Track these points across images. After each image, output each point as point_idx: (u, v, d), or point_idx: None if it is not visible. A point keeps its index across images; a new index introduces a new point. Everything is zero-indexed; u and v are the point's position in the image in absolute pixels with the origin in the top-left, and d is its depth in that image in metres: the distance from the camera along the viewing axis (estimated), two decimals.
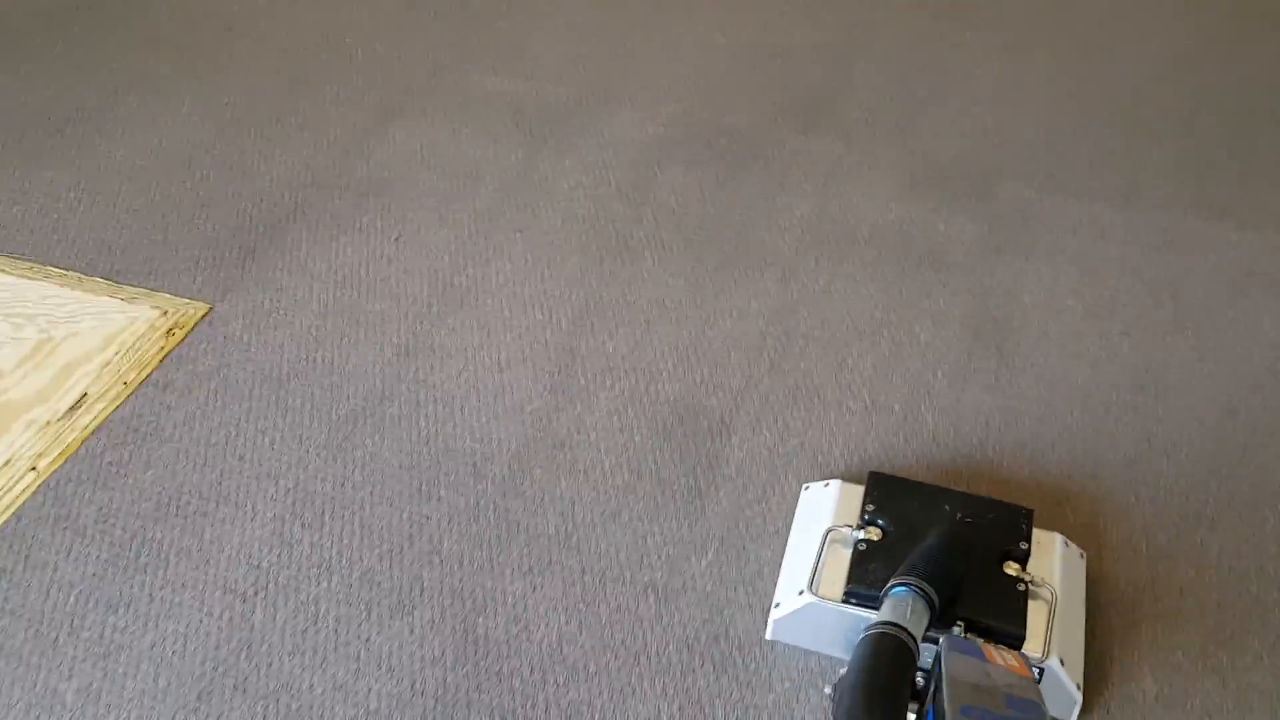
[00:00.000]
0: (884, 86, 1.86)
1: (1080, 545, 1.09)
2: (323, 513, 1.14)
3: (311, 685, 0.98)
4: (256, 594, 1.06)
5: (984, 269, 1.47)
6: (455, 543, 1.11)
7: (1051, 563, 1.03)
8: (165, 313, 1.37)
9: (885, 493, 1.07)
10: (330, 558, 1.10)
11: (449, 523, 1.13)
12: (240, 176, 1.63)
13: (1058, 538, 1.06)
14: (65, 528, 1.12)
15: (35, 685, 0.98)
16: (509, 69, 1.89)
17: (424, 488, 1.17)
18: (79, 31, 1.98)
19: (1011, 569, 1.00)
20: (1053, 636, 0.95)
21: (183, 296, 1.41)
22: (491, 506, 1.15)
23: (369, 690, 0.98)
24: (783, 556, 1.10)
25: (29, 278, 1.42)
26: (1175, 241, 1.52)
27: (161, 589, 1.06)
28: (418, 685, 0.98)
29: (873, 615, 0.93)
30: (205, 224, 1.53)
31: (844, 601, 0.98)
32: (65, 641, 1.01)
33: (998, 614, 0.95)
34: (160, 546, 1.10)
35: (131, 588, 1.06)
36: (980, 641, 0.85)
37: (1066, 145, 1.72)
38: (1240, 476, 1.19)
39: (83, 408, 1.24)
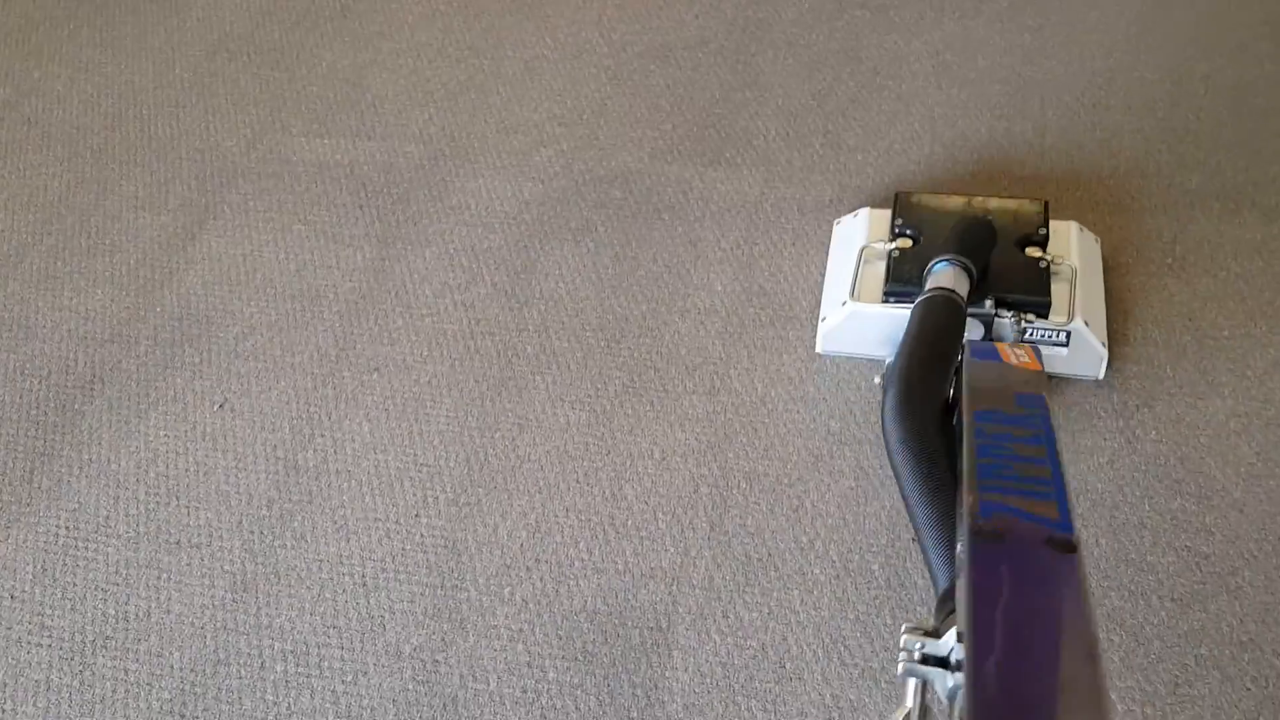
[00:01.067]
0: (799, 84, 1.53)
1: (1094, 232, 1.23)
2: None
3: None
4: None
5: None
6: None
7: (1069, 245, 1.14)
8: None
9: (911, 208, 1.19)
10: None
11: None
12: (21, 338, 1.29)
13: (1073, 225, 1.18)
14: None
15: None
16: (343, 124, 1.54)
17: None
18: None
19: (1033, 252, 1.12)
20: (1075, 304, 1.08)
21: None
22: None
23: None
24: (822, 283, 1.22)
25: None
26: None
27: None
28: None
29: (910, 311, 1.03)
30: None
31: (884, 301, 1.10)
32: None
33: (1024, 289, 1.07)
34: None
35: None
36: (998, 344, 0.88)
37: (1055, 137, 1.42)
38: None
39: None
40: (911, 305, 1.03)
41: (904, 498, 0.82)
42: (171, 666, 0.98)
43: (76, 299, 1.34)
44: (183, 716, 0.94)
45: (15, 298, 1.35)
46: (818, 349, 1.15)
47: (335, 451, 1.14)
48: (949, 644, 0.62)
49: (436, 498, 1.09)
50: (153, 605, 1.03)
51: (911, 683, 0.63)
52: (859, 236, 1.19)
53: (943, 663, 0.62)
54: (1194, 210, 1.30)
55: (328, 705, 0.94)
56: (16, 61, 1.74)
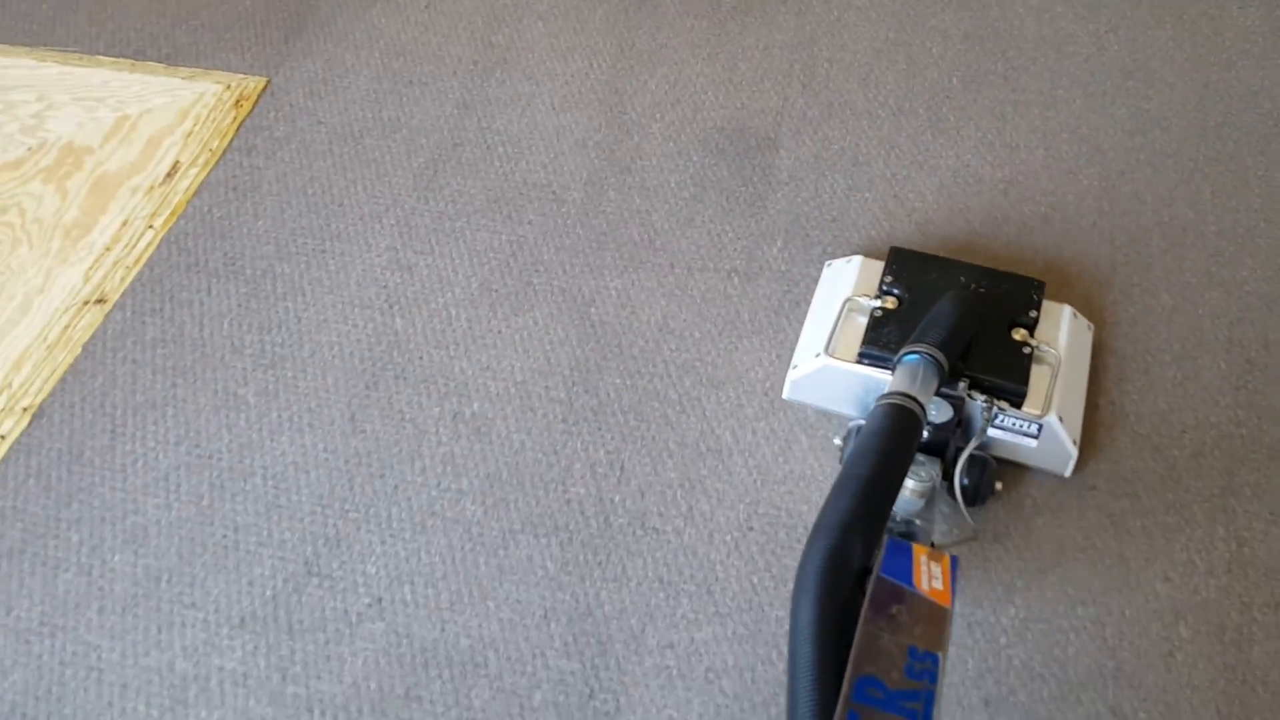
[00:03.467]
0: None
1: (1089, 319, 1.14)
2: (430, 241, 1.27)
3: (461, 369, 1.14)
4: (391, 307, 1.20)
5: None
6: (554, 254, 1.25)
7: (1058, 331, 1.08)
8: (228, 87, 1.44)
9: (904, 265, 1.12)
10: (447, 274, 1.23)
11: (544, 239, 1.27)
12: None
13: (1066, 309, 1.11)
14: (198, 272, 1.23)
15: (216, 391, 1.12)
16: None
17: (514, 214, 1.30)
18: None
19: (1019, 335, 1.05)
20: (1053, 396, 1.01)
21: (238, 73, 1.48)
22: (578, 224, 1.29)
23: (511, 368, 1.14)
24: (802, 326, 1.16)
25: (83, 66, 1.47)
26: None
27: (305, 311, 1.19)
28: (552, 360, 1.15)
29: (884, 375, 1.01)
30: (237, 4, 1.58)
31: (858, 362, 1.04)
32: (231, 358, 1.15)
33: (1002, 372, 1.01)
34: (292, 279, 1.23)
35: (277, 313, 1.19)
36: (914, 549, 0.82)
37: None
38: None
39: (179, 174, 1.33)
40: (884, 369, 1.02)
41: (791, 683, 0.72)
42: (422, 146, 1.38)
43: None
44: (436, 171, 1.35)
45: None
46: (784, 396, 1.12)
47: (519, 36, 1.54)
48: None
49: (599, 65, 1.49)
50: (400, 114, 1.42)
51: None
52: (846, 286, 1.14)
53: None
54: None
55: (538, 168, 1.35)
56: None
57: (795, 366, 1.11)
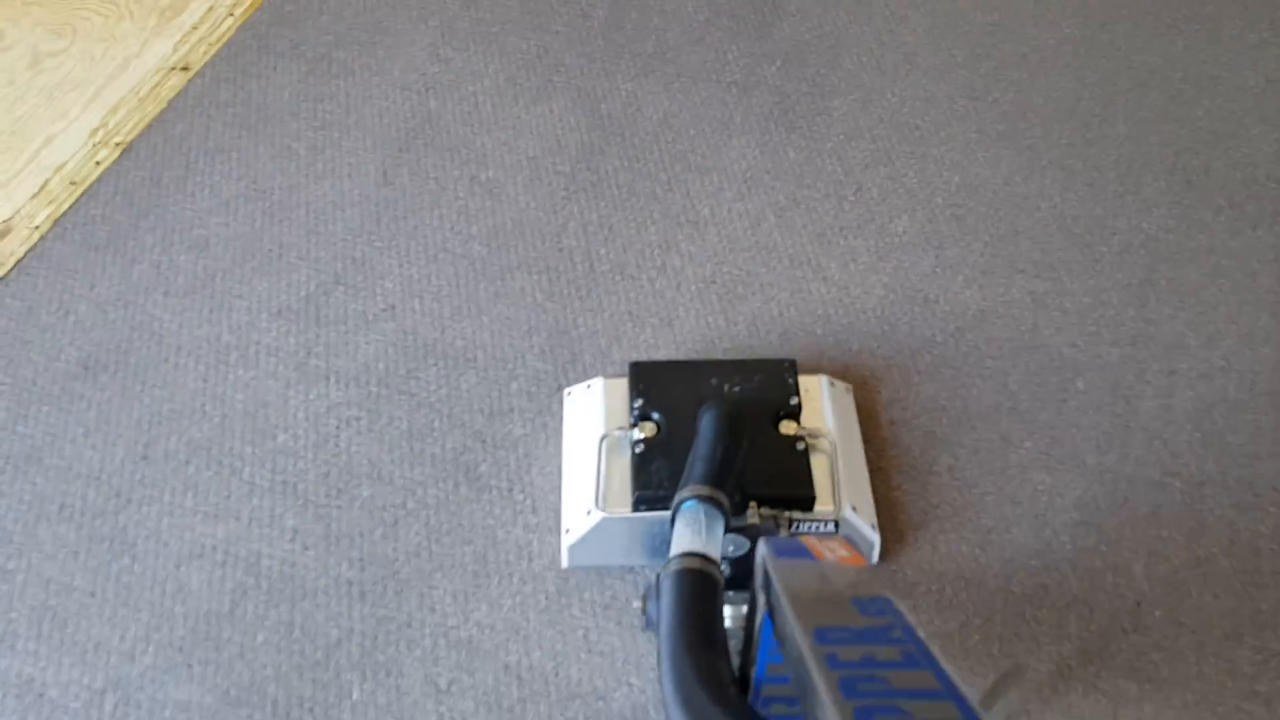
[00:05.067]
0: None
1: (843, 380, 1.08)
2: (467, 41, 1.44)
3: (482, 143, 1.31)
4: (427, 90, 1.37)
5: None
6: (574, 59, 1.41)
7: (821, 408, 1.01)
8: None
9: (650, 382, 1.00)
10: (479, 68, 1.40)
11: (567, 46, 1.43)
12: None
13: (822, 379, 1.03)
14: (268, 53, 1.42)
15: (274, 144, 1.31)
16: None
17: (542, 23, 1.46)
18: None
19: (788, 428, 0.96)
20: (840, 487, 0.95)
21: None
22: (599, 36, 1.44)
23: (526, 145, 1.31)
24: (560, 476, 1.03)
25: None
26: None
27: (353, 89, 1.37)
28: (562, 142, 1.31)
29: (665, 516, 0.87)
30: None
31: (635, 510, 0.93)
32: (288, 120, 1.34)
33: (783, 482, 0.93)
34: (345, 63, 1.41)
35: (330, 88, 1.38)
36: (801, 536, 0.80)
37: None
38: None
39: None
40: (664, 508, 0.89)
41: None
42: None
43: None
44: None
45: None
46: (563, 564, 0.97)
47: None
48: None
49: None
50: None
51: None
52: (596, 420, 1.01)
53: None
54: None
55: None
56: None
57: (568, 530, 0.96)
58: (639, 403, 0.98)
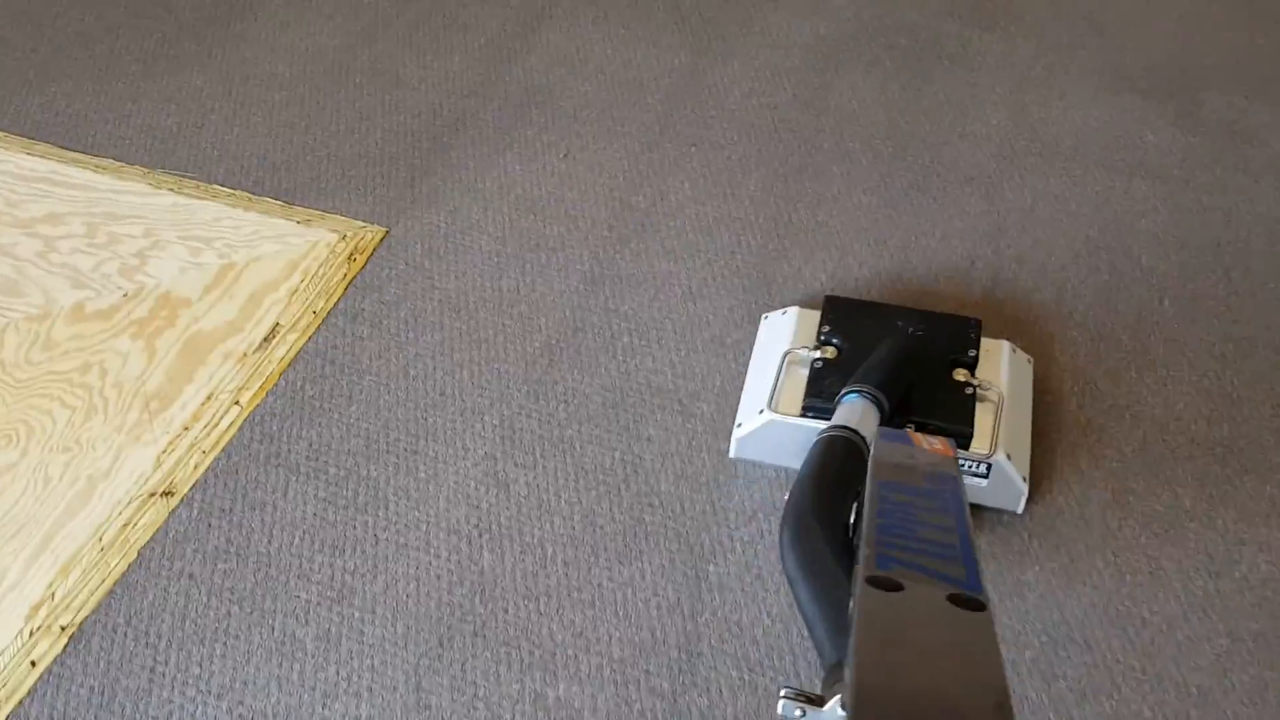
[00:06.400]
0: None
1: (1028, 352, 1.16)
2: (533, 451, 1.11)
3: (551, 632, 0.97)
4: (480, 535, 1.04)
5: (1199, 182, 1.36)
6: (672, 485, 1.08)
7: (999, 368, 1.09)
8: (344, 237, 1.33)
9: (841, 314, 1.12)
10: (549, 498, 1.07)
11: (663, 463, 1.09)
12: (393, 85, 1.56)
13: (1005, 345, 1.11)
14: (278, 465, 1.10)
15: (274, 629, 0.98)
16: None
17: (632, 426, 1.13)
18: None
19: (960, 375, 1.06)
20: (999, 434, 1.02)
21: (356, 219, 1.36)
22: (705, 449, 1.11)
23: (609, 639, 0.96)
24: (744, 383, 1.15)
25: (198, 198, 1.38)
26: None
27: (385, 530, 1.05)
28: (658, 634, 0.97)
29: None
30: (365, 138, 1.47)
31: (802, 415, 1.04)
32: (296, 584, 1.01)
33: (946, 415, 1.02)
34: (377, 486, 1.08)
35: (355, 529, 1.05)
36: (911, 431, 0.87)
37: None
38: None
39: (276, 339, 1.21)
40: (828, 420, 0.99)
41: (800, 610, 0.74)
42: (539, 326, 1.23)
43: (437, 61, 1.60)
44: (551, 359, 1.19)
45: (385, 54, 1.61)
46: (730, 454, 1.09)
47: (661, 199, 1.38)
48: (834, 715, 0.56)
49: (748, 242, 1.32)
50: (521, 284, 1.28)
51: None
52: (784, 337, 1.12)
53: None
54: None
55: (665, 368, 1.18)
56: None
57: (740, 424, 1.09)
58: (825, 329, 1.10)
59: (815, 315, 1.13)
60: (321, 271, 1.28)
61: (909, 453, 0.78)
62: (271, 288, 1.26)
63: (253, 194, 1.40)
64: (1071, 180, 1.38)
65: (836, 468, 0.88)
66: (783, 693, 0.57)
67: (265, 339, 1.21)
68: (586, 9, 1.68)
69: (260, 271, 1.28)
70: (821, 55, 1.58)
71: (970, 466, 1.00)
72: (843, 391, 0.99)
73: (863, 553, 0.59)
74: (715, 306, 1.24)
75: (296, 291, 1.26)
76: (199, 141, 1.48)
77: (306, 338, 1.22)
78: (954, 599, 0.52)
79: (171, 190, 1.39)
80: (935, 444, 0.82)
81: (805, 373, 1.07)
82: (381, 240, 1.33)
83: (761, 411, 1.06)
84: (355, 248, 1.32)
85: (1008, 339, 1.13)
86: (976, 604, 0.52)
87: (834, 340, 1.09)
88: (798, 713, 0.57)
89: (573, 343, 1.21)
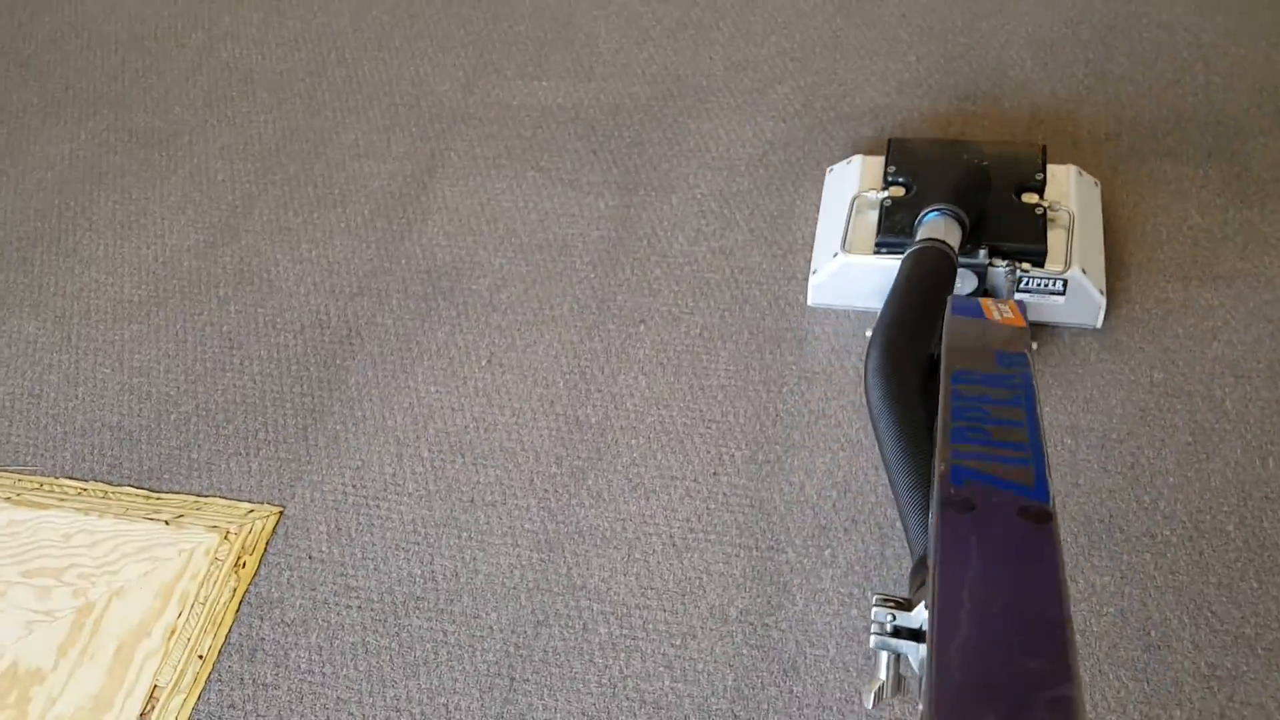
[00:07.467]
0: (1048, 9, 1.44)
1: (1094, 175, 1.19)
2: None
3: None
4: None
5: None
6: None
7: (1066, 190, 1.12)
8: (226, 535, 1.05)
9: (905, 154, 1.15)
10: None
11: None
12: (265, 292, 1.27)
13: (1071, 169, 1.16)
14: None
15: None
16: (558, 64, 1.49)
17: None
18: None
19: (1029, 199, 1.10)
20: (1073, 251, 1.05)
21: (240, 499, 1.08)
22: None
23: None
24: (814, 234, 1.18)
25: (40, 506, 1.10)
26: None
27: None
28: None
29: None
30: (240, 375, 1.19)
31: (876, 252, 1.08)
32: None
33: (1019, 236, 1.05)
34: None
35: None
36: (981, 300, 0.86)
37: None
38: None
39: (156, 709, 0.93)
40: (908, 247, 1.02)
41: (884, 462, 0.79)
42: (490, 628, 0.96)
43: (314, 250, 1.31)
44: (512, 679, 0.93)
45: (251, 250, 1.33)
46: (808, 302, 1.14)
47: (615, 407, 1.11)
48: (920, 616, 0.60)
49: (732, 455, 1.05)
50: (459, 565, 1.01)
51: (884, 656, 0.62)
52: (851, 185, 1.16)
53: (915, 635, 0.60)
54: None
55: (661, 669, 0.92)
56: (205, 5, 1.71)
57: (815, 271, 1.13)
58: (892, 169, 1.15)
59: (879, 160, 1.17)
60: (203, 593, 1.01)
61: (981, 328, 0.79)
62: (142, 632, 0.98)
63: (109, 484, 1.11)
64: None
65: (924, 286, 0.93)
66: (875, 599, 0.62)
67: (141, 715, 0.93)
68: (484, 148, 1.40)
69: (126, 611, 1.00)
70: (774, 170, 1.31)
71: (1046, 284, 1.04)
72: (922, 213, 1.03)
73: (937, 467, 0.61)
74: (707, 560, 0.98)
75: (175, 632, 0.98)
76: (37, 416, 1.19)
77: (195, 698, 0.94)
78: (1023, 512, 0.57)
79: (8, 501, 1.11)
80: (1006, 312, 0.82)
81: (875, 214, 1.11)
82: (275, 526, 1.06)
83: (836, 255, 1.10)
84: (243, 546, 1.04)
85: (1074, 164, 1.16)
86: (1044, 514, 0.56)
87: (900, 179, 1.13)
88: (889, 617, 0.61)
89: (535, 647, 0.94)
